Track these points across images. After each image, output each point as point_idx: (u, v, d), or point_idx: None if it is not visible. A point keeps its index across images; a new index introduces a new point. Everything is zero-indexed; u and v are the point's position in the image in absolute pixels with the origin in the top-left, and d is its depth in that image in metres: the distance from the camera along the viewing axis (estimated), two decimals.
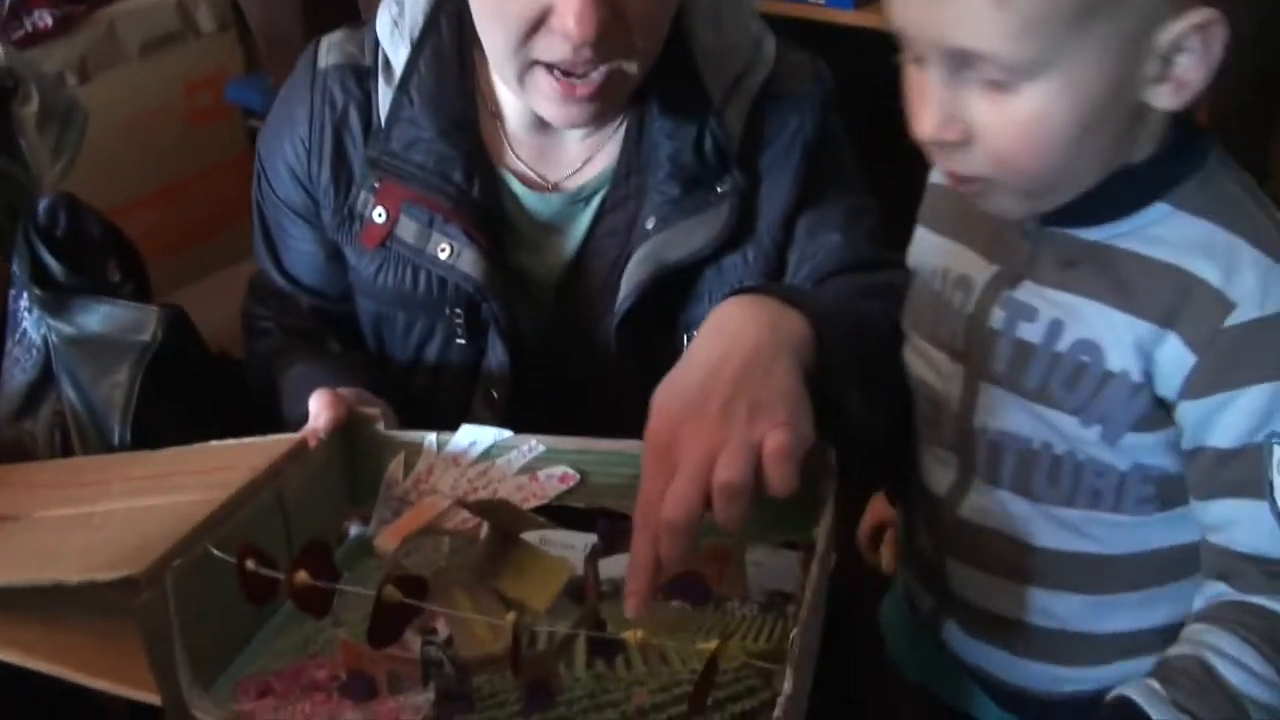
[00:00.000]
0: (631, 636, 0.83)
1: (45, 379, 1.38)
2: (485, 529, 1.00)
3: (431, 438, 1.12)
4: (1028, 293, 0.99)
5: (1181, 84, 0.88)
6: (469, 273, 1.24)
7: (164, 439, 1.20)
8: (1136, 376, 0.94)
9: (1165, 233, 0.94)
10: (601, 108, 1.18)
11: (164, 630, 0.86)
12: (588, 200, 1.29)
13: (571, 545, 1.04)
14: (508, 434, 1.10)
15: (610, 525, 1.03)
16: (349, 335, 1.38)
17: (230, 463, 1.04)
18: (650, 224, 1.24)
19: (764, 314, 0.98)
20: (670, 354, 1.03)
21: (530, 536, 0.99)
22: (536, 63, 1.15)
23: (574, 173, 1.30)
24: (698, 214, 1.24)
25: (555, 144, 1.30)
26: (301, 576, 0.87)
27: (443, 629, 0.93)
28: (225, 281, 3.01)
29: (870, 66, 1.34)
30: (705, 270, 1.25)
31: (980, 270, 1.03)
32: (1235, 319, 0.90)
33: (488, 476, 1.08)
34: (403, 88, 1.27)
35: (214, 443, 1.11)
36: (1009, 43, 0.85)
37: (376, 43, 1.30)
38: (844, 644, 1.14)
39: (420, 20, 1.28)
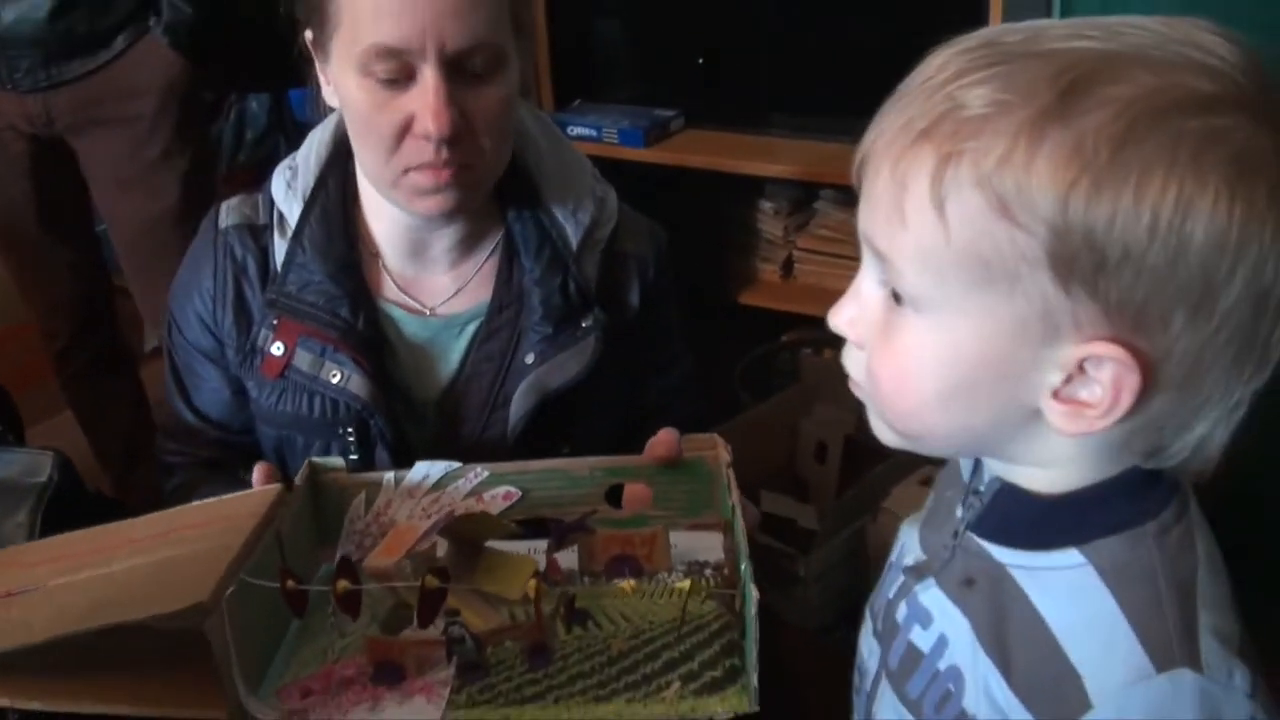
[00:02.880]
0: (627, 586, 1.10)
1: None
2: (444, 546, 1.19)
3: (389, 475, 1.31)
4: (930, 597, 0.96)
5: (1075, 412, 0.81)
6: (357, 393, 1.45)
7: None
8: None
9: (1064, 590, 0.86)
10: (462, 196, 1.40)
11: (224, 649, 1.03)
12: (462, 328, 1.52)
13: (519, 550, 1.23)
14: (456, 465, 1.30)
15: (559, 526, 1.24)
16: (251, 462, 1.56)
17: (226, 514, 1.21)
18: (530, 359, 1.48)
19: None
20: None
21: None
22: (407, 169, 1.37)
23: (446, 300, 1.53)
24: (569, 348, 1.49)
25: (427, 275, 1.53)
26: (343, 584, 1.07)
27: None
28: (55, 428, 3.10)
29: (657, 196, 1.62)
30: (580, 391, 1.50)
31: (911, 555, 1.02)
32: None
33: (439, 503, 1.28)
34: (296, 238, 1.49)
35: (194, 503, 1.29)
36: (905, 262, 0.82)
37: (271, 202, 1.52)
38: None
39: (311, 182, 1.50)
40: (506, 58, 1.36)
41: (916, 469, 1.77)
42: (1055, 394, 0.81)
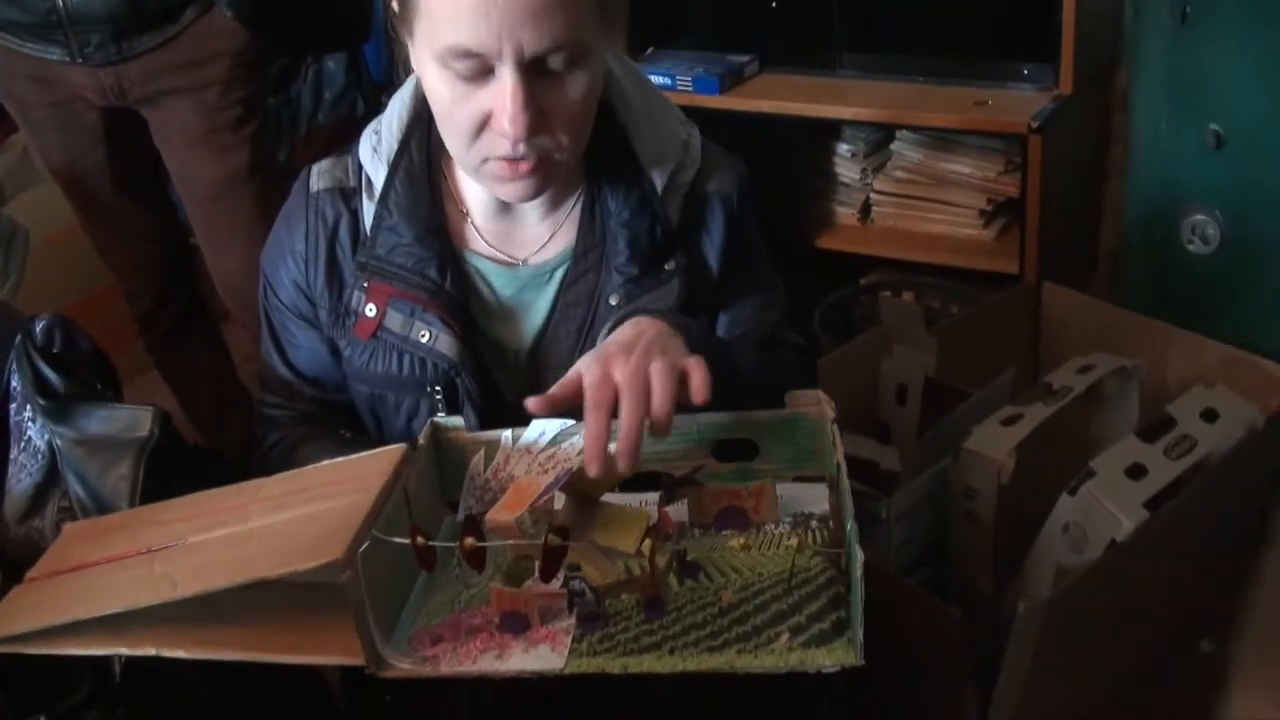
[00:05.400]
0: (736, 544, 1.18)
1: (50, 481, 1.54)
2: (561, 500, 1.24)
3: (507, 434, 1.37)
4: None
5: None
6: (445, 353, 1.49)
7: None
8: None
9: None
10: (543, 183, 1.42)
11: (360, 601, 1.10)
12: (551, 274, 1.55)
13: (630, 503, 1.28)
14: (570, 422, 1.34)
15: (669, 480, 1.30)
16: (349, 417, 1.63)
17: (355, 473, 1.27)
18: (614, 300, 1.51)
19: (661, 323, 1.33)
20: None
21: None
22: (487, 158, 1.39)
23: (538, 250, 1.55)
24: (653, 290, 1.51)
25: (518, 227, 1.55)
26: (470, 541, 1.14)
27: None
28: (143, 389, 3.16)
29: (736, 141, 1.65)
30: None
31: None
32: None
33: (555, 459, 1.33)
34: (383, 202, 1.52)
35: (325, 463, 1.35)
36: None
37: (360, 166, 1.55)
38: None
39: (395, 146, 1.53)
40: (589, 52, 1.35)
41: (998, 408, 1.80)
42: None
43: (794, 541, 1.21)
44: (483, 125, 1.35)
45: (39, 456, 1.55)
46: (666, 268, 1.52)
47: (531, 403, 1.24)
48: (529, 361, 1.57)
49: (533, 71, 1.31)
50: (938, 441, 1.78)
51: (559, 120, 1.36)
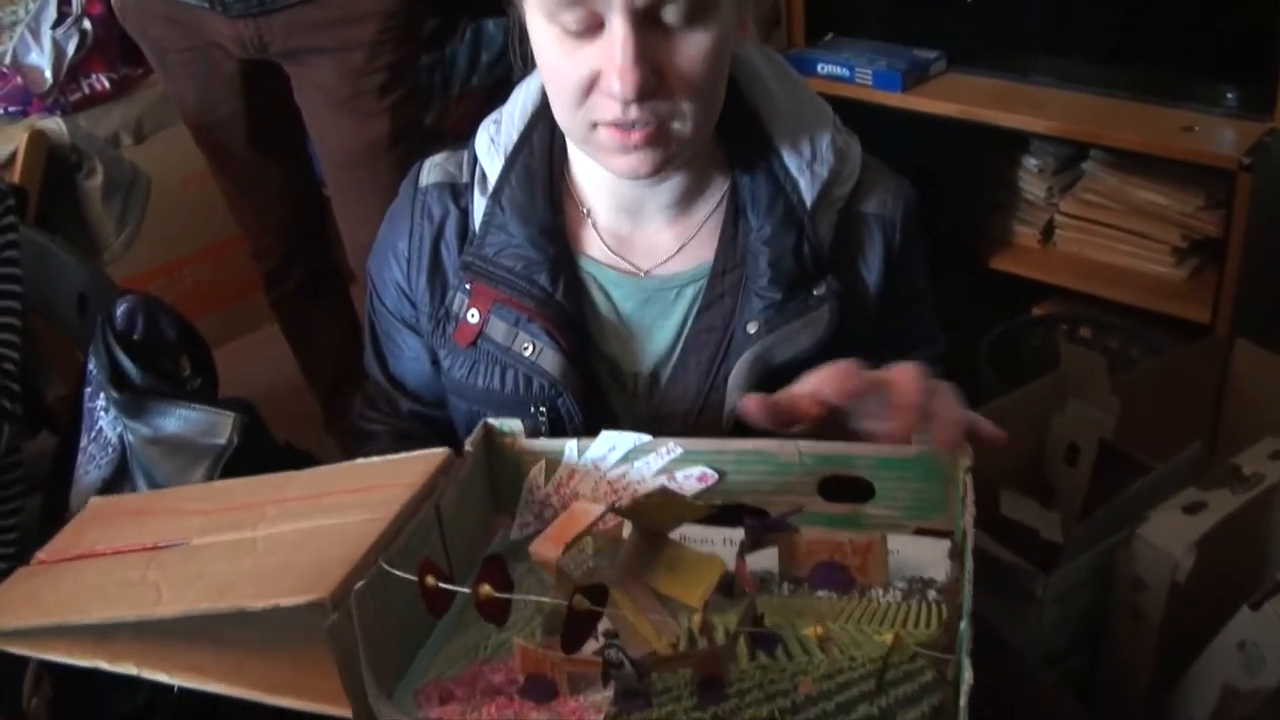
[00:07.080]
0: (812, 632, 0.95)
1: (120, 476, 1.46)
2: (629, 529, 1.05)
3: (572, 445, 1.17)
4: None
5: None
6: (548, 369, 1.33)
7: None
8: None
9: None
10: (660, 158, 1.24)
11: (351, 648, 0.90)
12: (679, 291, 1.38)
13: (710, 540, 1.10)
14: (646, 438, 1.14)
15: (756, 521, 1.08)
16: (449, 439, 1.45)
17: (385, 480, 1.08)
18: (753, 329, 1.32)
19: None
20: None
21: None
22: (595, 124, 1.23)
23: (665, 261, 1.38)
24: (799, 317, 1.32)
25: (643, 231, 1.39)
26: (486, 589, 0.93)
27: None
28: (269, 339, 3.10)
29: (914, 143, 1.43)
30: (808, 368, 1.24)
31: None
32: None
33: (627, 479, 1.13)
34: (495, 197, 1.38)
35: (360, 461, 1.17)
36: None
37: (475, 159, 1.42)
38: None
39: (515, 137, 1.39)
40: (711, 6, 1.19)
41: (1179, 489, 1.56)
42: None
43: (888, 637, 0.96)
44: (591, 86, 1.21)
45: (109, 449, 1.47)
46: (815, 293, 1.34)
47: (752, 400, 1.10)
48: (649, 387, 1.39)
49: (646, 23, 1.16)
50: (1108, 520, 1.55)
51: (677, 83, 1.20)
